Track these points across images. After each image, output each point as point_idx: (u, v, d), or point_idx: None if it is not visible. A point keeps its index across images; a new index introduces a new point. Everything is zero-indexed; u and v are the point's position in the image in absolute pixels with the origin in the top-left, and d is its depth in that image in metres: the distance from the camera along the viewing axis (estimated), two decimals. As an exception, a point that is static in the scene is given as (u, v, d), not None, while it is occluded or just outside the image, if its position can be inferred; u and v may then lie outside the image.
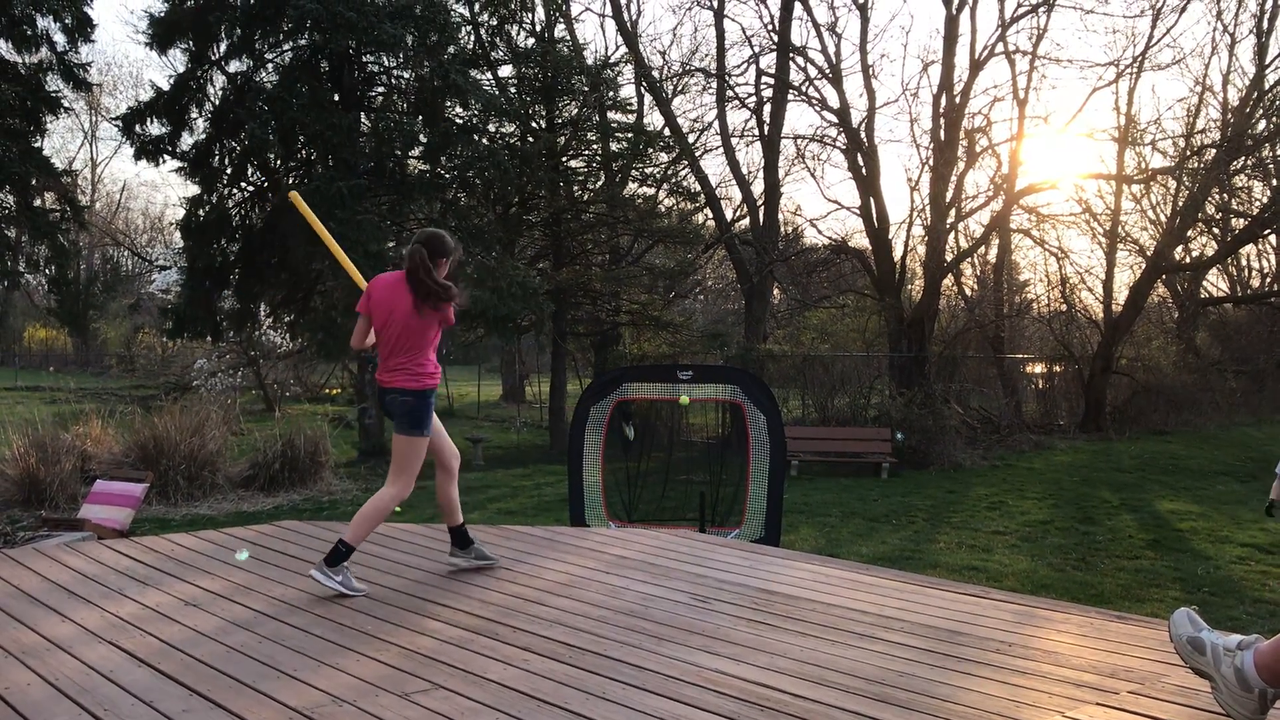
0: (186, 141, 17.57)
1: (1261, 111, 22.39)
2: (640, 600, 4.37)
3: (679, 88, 24.93)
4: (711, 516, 8.89)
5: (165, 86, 17.39)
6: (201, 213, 17.21)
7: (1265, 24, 22.09)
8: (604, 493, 8.81)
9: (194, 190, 17.43)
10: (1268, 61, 21.88)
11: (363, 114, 17.64)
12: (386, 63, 17.79)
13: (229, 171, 17.52)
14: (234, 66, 17.46)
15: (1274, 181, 24.49)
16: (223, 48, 17.22)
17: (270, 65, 17.52)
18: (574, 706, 3.06)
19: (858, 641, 3.76)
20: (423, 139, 17.40)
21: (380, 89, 18.39)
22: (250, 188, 18.02)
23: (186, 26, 16.82)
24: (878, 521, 12.04)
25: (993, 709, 3.02)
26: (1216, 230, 25.83)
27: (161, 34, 17.03)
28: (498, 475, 16.36)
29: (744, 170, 23.96)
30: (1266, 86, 21.97)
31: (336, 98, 17.03)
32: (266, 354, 27.19)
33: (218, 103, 17.35)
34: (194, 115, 17.54)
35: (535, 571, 4.93)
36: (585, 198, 21.97)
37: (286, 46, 17.38)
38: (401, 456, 4.68)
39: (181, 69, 17.62)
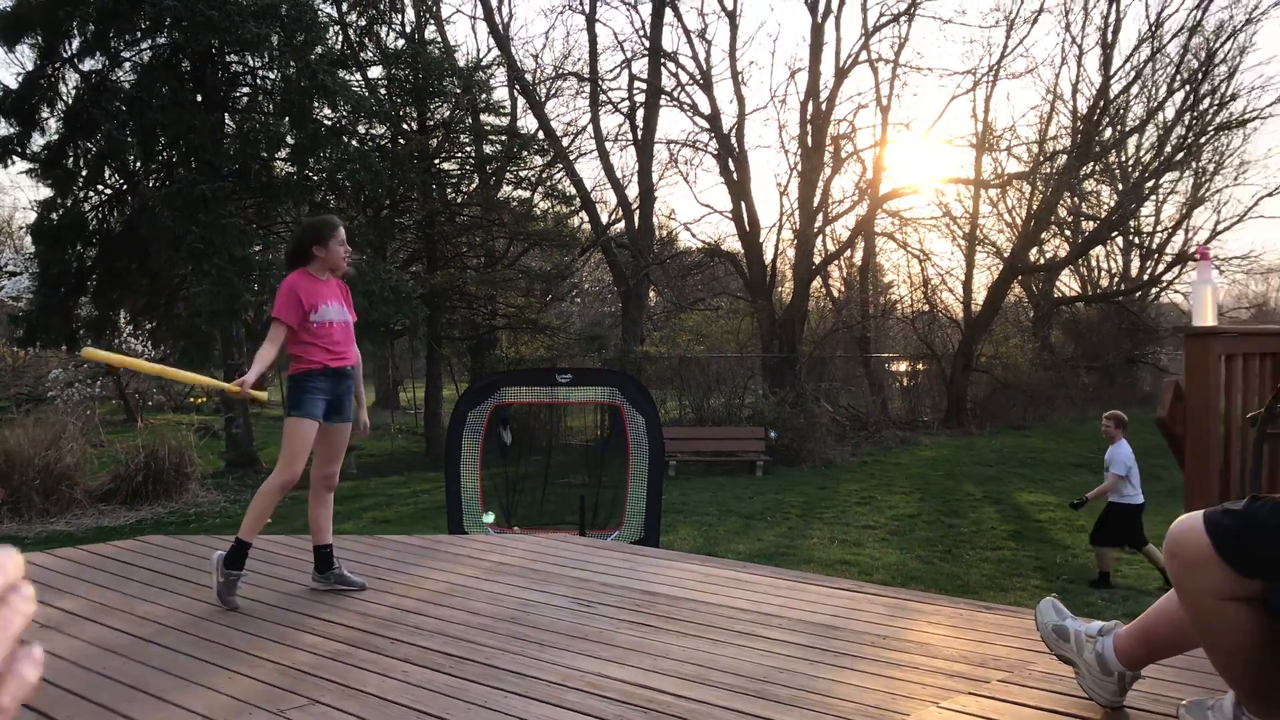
0: (38, 142, 16.80)
1: (1108, 120, 23.49)
2: (521, 606, 4.34)
3: (552, 91, 24.94)
4: (592, 519, 8.90)
5: (13, 85, 16.61)
6: (55, 216, 16.47)
7: (1110, 36, 23.19)
8: (482, 499, 8.75)
9: (46, 193, 16.67)
10: (1113, 72, 22.98)
11: (227, 115, 17.13)
12: (251, 63, 17.31)
13: (84, 174, 16.80)
14: (88, 64, 16.76)
15: (1120, 186, 25.74)
16: (75, 45, 16.51)
17: (128, 64, 16.88)
18: (456, 716, 3.02)
19: (738, 640, 3.81)
20: (290, 140, 16.99)
21: (245, 89, 17.89)
22: (108, 190, 17.32)
23: (35, 21, 16.07)
24: (753, 519, 12.23)
25: (871, 701, 3.09)
26: (1068, 233, 27.02)
27: (7, 29, 16.23)
28: (372, 484, 16.08)
29: (619, 174, 24.12)
30: (1112, 95, 23.05)
31: (199, 98, 16.51)
32: (126, 362, 26.10)
33: (71, 102, 16.63)
34: (45, 115, 16.77)
35: (414, 581, 4.86)
36: (459, 200, 21.76)
37: (145, 45, 16.76)
38: (284, 438, 4.63)
39: (30, 66, 16.85)
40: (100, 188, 17.26)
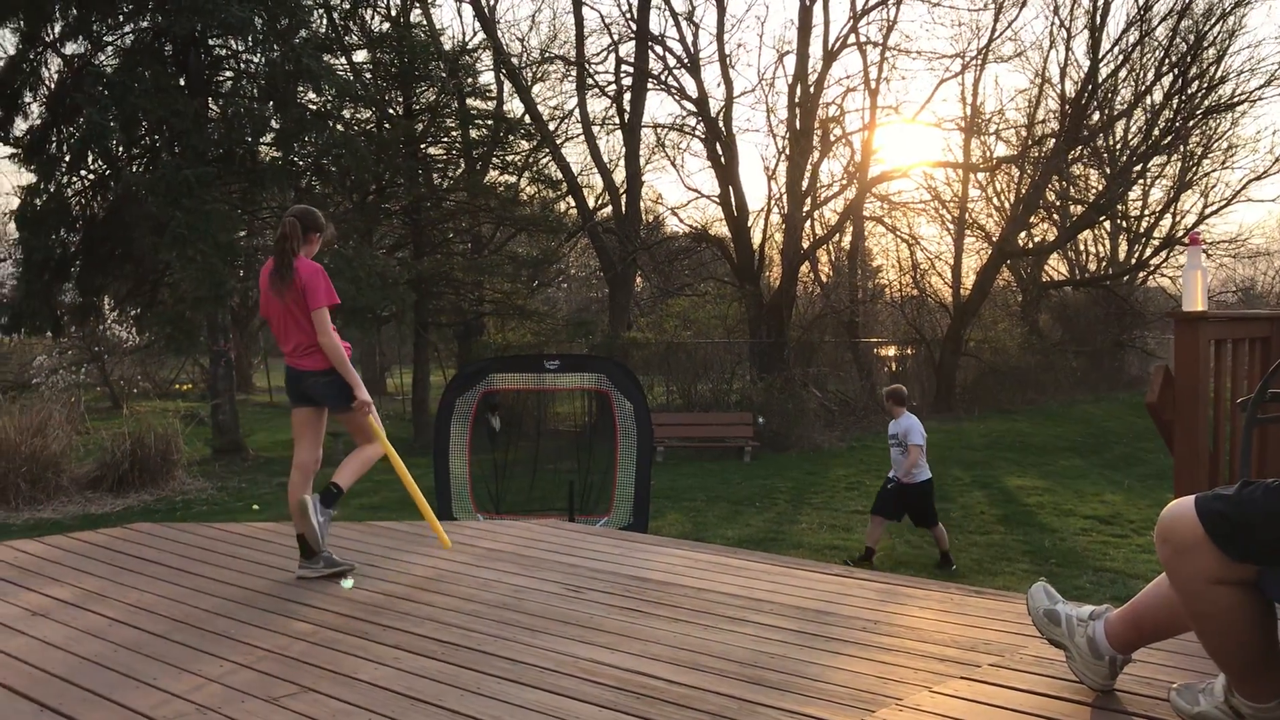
0: (20, 127, 16.67)
1: (1096, 103, 23.49)
2: (512, 592, 4.34)
3: (539, 75, 24.83)
4: (580, 505, 8.90)
5: (-6, 69, 16.47)
6: (38, 202, 16.33)
7: (1098, 19, 23.17)
8: (471, 485, 8.73)
9: (29, 178, 16.54)
10: (1101, 55, 22.95)
11: (210, 99, 17.01)
12: (235, 46, 17.18)
13: (67, 159, 16.67)
14: (70, 49, 16.62)
15: (1108, 170, 25.78)
16: (58, 28, 16.36)
17: (110, 48, 16.74)
18: (449, 703, 3.02)
19: (729, 625, 3.82)
20: (274, 125, 16.88)
21: (229, 73, 17.76)
22: (91, 176, 17.19)
23: (17, 5, 15.89)
24: (742, 504, 12.25)
25: (862, 686, 3.10)
26: (1056, 217, 27.06)
27: (-12, 13, 16.08)
28: (360, 469, 16.03)
29: (605, 158, 24.01)
30: (1100, 79, 23.05)
31: (182, 82, 16.38)
32: (112, 349, 26.04)
33: (53, 87, 16.49)
34: (28, 99, 16.64)
35: (403, 568, 4.85)
36: (445, 185, 21.67)
37: (127, 29, 16.62)
38: (358, 429, 4.77)
39: (12, 50, 16.69)
40: (83, 173, 17.13)
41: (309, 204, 17.40)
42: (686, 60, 22.10)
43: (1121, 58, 23.30)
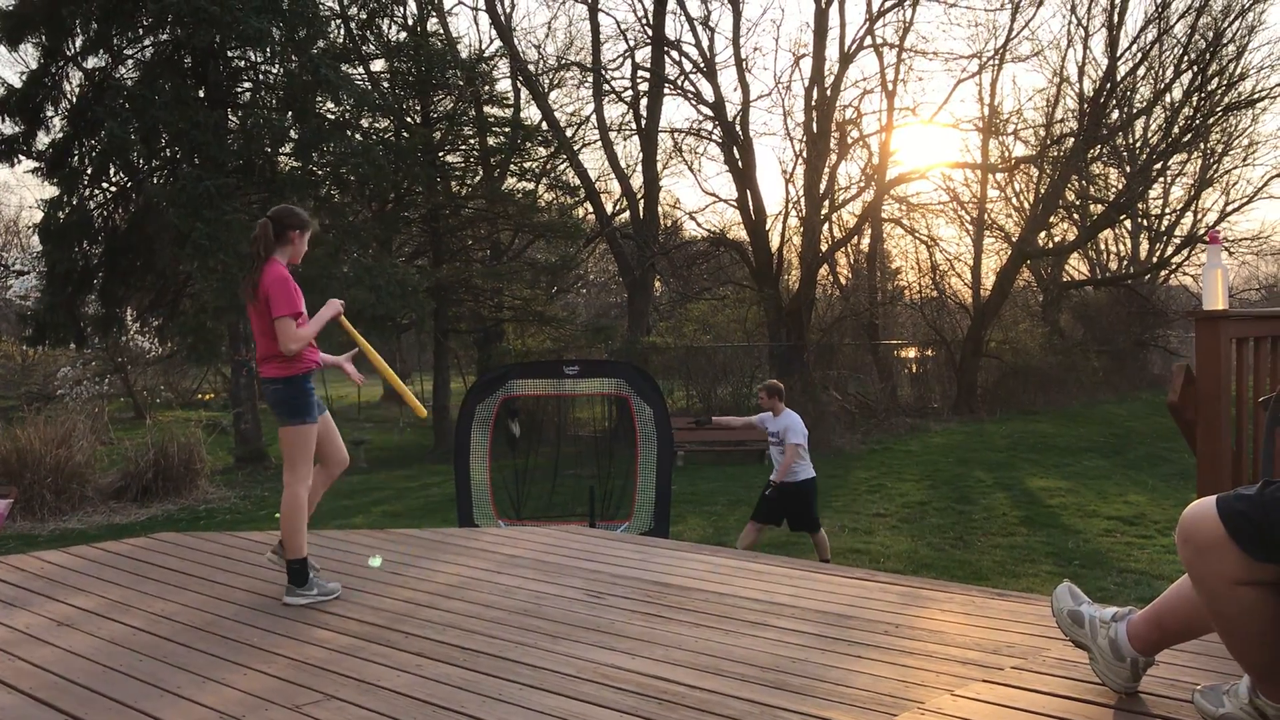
0: (42, 141, 16.87)
1: (1115, 102, 23.38)
2: (533, 599, 4.35)
3: (555, 82, 24.89)
4: (601, 510, 8.90)
5: (17, 84, 16.65)
6: (61, 215, 16.50)
7: (1116, 18, 23.07)
8: (492, 491, 8.75)
9: (52, 191, 16.71)
10: (1119, 54, 22.86)
11: (230, 111, 17.13)
12: (253, 58, 17.32)
13: (89, 172, 16.84)
14: (91, 63, 16.80)
15: (1128, 169, 25.64)
16: (78, 43, 16.54)
17: (130, 61, 16.89)
18: (470, 710, 3.03)
19: (750, 630, 3.81)
20: (293, 135, 16.99)
21: (247, 84, 17.89)
22: (113, 188, 17.35)
23: (38, 21, 16.09)
24: (763, 509, 12.21)
25: (884, 690, 3.09)
26: (1076, 216, 26.94)
27: (11, 28, 16.27)
28: (382, 477, 16.11)
29: (623, 164, 24.07)
30: (1119, 78, 22.94)
31: (201, 94, 16.51)
32: (134, 359, 26.24)
33: (75, 100, 16.66)
34: (50, 113, 16.84)
35: (425, 575, 4.87)
36: (463, 193, 21.76)
37: (147, 42, 16.79)
38: (289, 448, 4.50)
39: (34, 65, 16.87)
40: (105, 185, 17.30)
41: (329, 213, 17.54)
42: (702, 65, 22.12)
43: (1140, 55, 23.20)
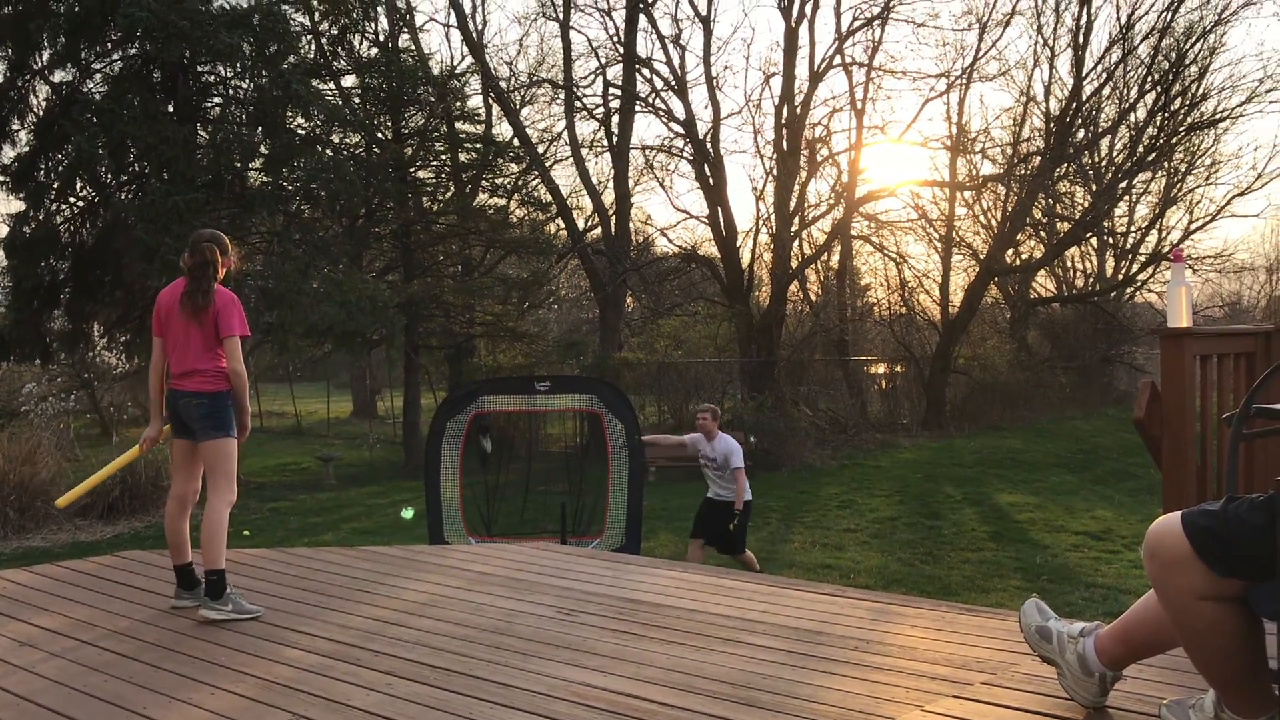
0: (8, 155, 16.68)
1: (1080, 121, 23.65)
2: (504, 616, 4.33)
3: (527, 98, 24.91)
4: (572, 527, 8.89)
5: (-18, 97, 16.47)
6: (27, 229, 16.32)
7: (1081, 38, 23.36)
8: (463, 508, 8.72)
9: (18, 206, 16.54)
10: (1084, 74, 23.13)
11: (199, 125, 17.02)
12: (223, 73, 17.22)
13: (56, 186, 16.67)
14: (58, 76, 16.66)
15: (1094, 187, 25.93)
16: (45, 56, 16.39)
17: (98, 75, 16.76)
18: (441, 729, 3.01)
19: (722, 646, 3.82)
20: (263, 150, 16.90)
21: (217, 99, 17.78)
22: (80, 203, 17.19)
23: (4, 34, 15.93)
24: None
25: (855, 706, 3.10)
26: (1043, 234, 27.19)
27: (-24, 42, 16.10)
28: (351, 494, 16.00)
29: (594, 180, 24.08)
30: (1084, 97, 23.22)
31: (170, 109, 16.40)
32: (101, 375, 25.97)
33: (41, 114, 16.51)
34: (15, 127, 16.65)
35: (395, 592, 4.84)
36: (435, 209, 21.71)
37: (115, 56, 16.66)
38: (219, 460, 4.59)
39: (0, 79, 16.71)
40: (72, 200, 17.13)
41: (299, 228, 17.44)
42: (674, 82, 22.22)
43: (1105, 76, 23.48)
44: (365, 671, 3.60)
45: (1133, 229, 28.59)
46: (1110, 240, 28.90)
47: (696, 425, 8.64)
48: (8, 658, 3.86)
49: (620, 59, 22.45)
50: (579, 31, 35.89)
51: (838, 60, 21.99)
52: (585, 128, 29.13)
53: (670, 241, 27.32)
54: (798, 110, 21.64)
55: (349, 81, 20.63)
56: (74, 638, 4.13)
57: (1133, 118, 24.20)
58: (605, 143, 23.43)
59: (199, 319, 4.55)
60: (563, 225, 24.08)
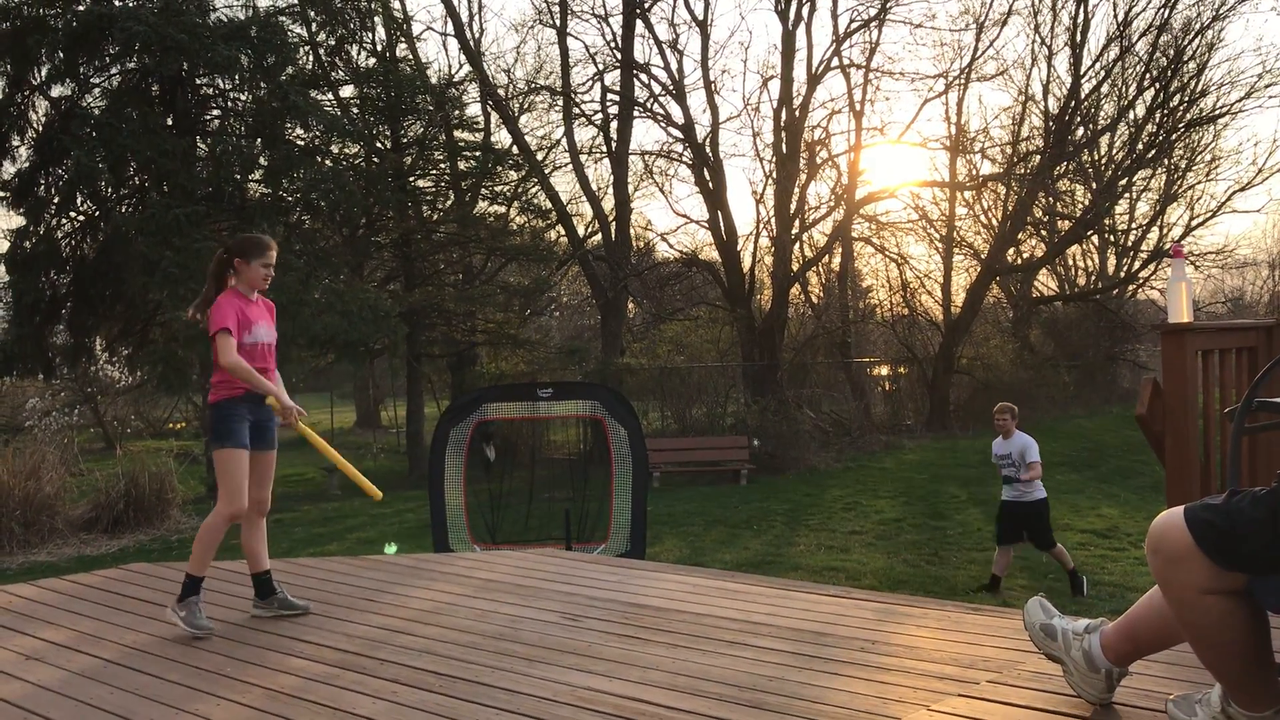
0: (8, 170, 16.74)
1: (1079, 119, 23.65)
2: (509, 622, 4.33)
3: (525, 106, 24.90)
4: (577, 533, 8.88)
5: (-18, 114, 16.53)
6: (28, 244, 16.37)
7: (1079, 36, 23.35)
8: (467, 516, 8.72)
9: (19, 221, 16.58)
10: (1083, 72, 23.12)
11: (198, 138, 17.06)
12: (222, 85, 17.26)
13: (56, 201, 16.72)
14: (57, 91, 16.71)
15: (1094, 185, 25.91)
16: (44, 71, 16.44)
17: (97, 90, 16.80)
18: (448, 736, 3.01)
19: (728, 649, 3.81)
20: (263, 162, 16.94)
21: (216, 112, 17.83)
22: (80, 217, 17.23)
23: (3, 49, 15.98)
24: (739, 528, 12.23)
25: (861, 707, 3.10)
26: (1044, 233, 27.17)
27: (-25, 59, 16.16)
28: (355, 504, 16.00)
29: (594, 186, 24.07)
30: (1083, 95, 23.21)
31: (169, 122, 16.44)
32: (104, 389, 26.00)
33: (41, 129, 16.55)
34: (15, 143, 16.70)
35: (400, 601, 4.84)
36: (435, 218, 21.73)
37: (114, 70, 16.71)
38: (216, 471, 4.56)
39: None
40: (73, 214, 17.18)
41: (299, 239, 17.46)
42: (672, 87, 22.22)
43: (1103, 73, 23.48)
44: (371, 680, 3.60)
45: (1134, 226, 28.55)
46: (1111, 238, 28.87)
47: (995, 426, 8.83)
48: (14, 671, 3.86)
49: (618, 65, 22.47)
50: (576, 38, 35.77)
51: (835, 62, 22.02)
52: (584, 134, 29.10)
53: (671, 246, 27.28)
54: (796, 113, 21.65)
55: (347, 92, 20.68)
56: (80, 650, 4.13)
57: (1132, 115, 24.19)
58: (604, 149, 23.44)
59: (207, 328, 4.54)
60: (563, 232, 24.09)
